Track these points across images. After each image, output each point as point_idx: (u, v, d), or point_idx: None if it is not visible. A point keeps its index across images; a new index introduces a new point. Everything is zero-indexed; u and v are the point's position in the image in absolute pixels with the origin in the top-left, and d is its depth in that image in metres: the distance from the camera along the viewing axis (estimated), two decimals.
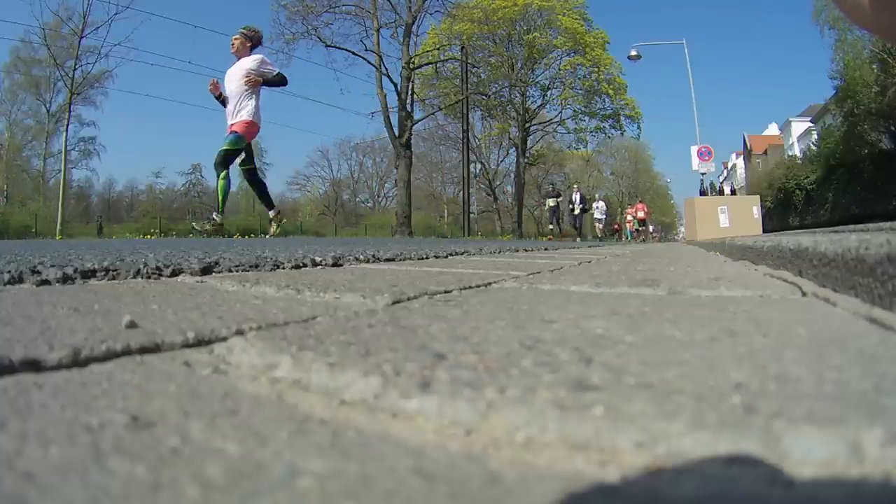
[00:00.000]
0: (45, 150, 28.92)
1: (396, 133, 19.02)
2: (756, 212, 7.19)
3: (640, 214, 20.83)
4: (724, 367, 0.35)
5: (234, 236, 10.16)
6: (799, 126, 37.83)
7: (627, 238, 20.62)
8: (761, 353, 0.39)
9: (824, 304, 0.73)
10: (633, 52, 19.43)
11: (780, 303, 0.76)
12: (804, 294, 0.85)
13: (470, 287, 0.95)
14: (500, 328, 0.51)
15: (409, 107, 19.79)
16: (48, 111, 28.01)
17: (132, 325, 0.60)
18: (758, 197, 8.05)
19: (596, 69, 24.66)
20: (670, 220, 63.26)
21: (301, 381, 0.39)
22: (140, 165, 66.84)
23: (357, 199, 41.01)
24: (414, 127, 20.09)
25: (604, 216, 19.40)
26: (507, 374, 0.34)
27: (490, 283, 1.03)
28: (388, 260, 1.43)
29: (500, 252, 2.14)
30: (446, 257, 1.71)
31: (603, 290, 0.89)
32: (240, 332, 0.55)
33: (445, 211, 35.58)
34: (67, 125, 13.83)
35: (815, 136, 25.49)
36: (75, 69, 12.17)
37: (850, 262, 0.80)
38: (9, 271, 0.96)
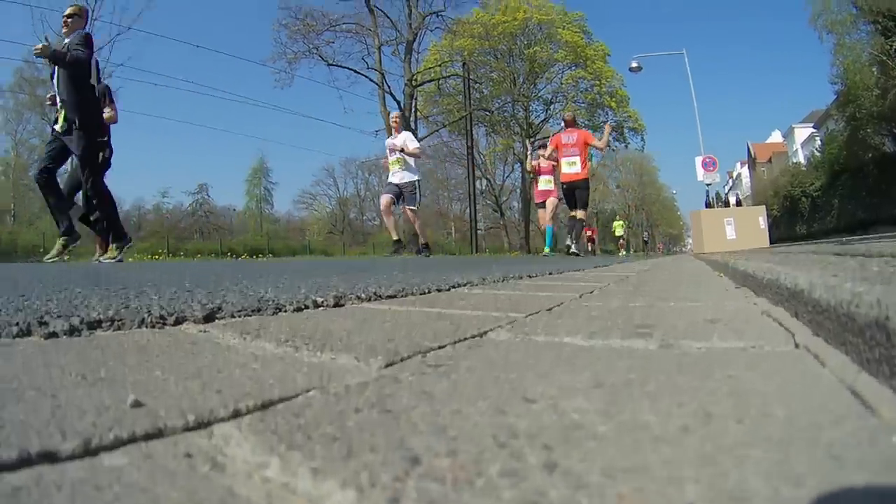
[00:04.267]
0: None
1: None
2: (762, 222, 7.25)
3: (574, 169, 7.64)
4: (682, 476, 0.36)
5: (242, 256, 10.11)
6: (802, 132, 37.79)
7: (547, 248, 8.46)
8: (727, 455, 0.41)
9: (814, 363, 0.74)
10: (634, 64, 19.57)
11: (769, 359, 0.77)
12: (796, 346, 0.86)
13: (465, 339, 0.97)
14: (481, 412, 0.52)
15: (412, 124, 19.93)
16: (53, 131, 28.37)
17: (137, 404, 0.63)
18: (763, 207, 8.06)
19: (598, 82, 25.02)
20: (678, 231, 63.46)
21: (289, 484, 0.41)
22: (146, 184, 67.77)
23: (364, 218, 41.43)
24: None
25: (414, 183, 7.32)
26: (472, 488, 0.36)
27: (485, 333, 1.04)
28: (389, 297, 1.45)
29: (503, 281, 2.15)
30: (448, 290, 1.72)
31: (595, 343, 0.90)
32: (237, 413, 0.57)
33: (453, 228, 35.80)
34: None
35: (818, 142, 25.43)
36: None
37: (841, 318, 0.80)
38: (17, 323, 1.00)
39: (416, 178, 7.43)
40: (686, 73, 18.43)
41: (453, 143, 28.06)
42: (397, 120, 7.52)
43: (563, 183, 7.96)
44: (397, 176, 7.47)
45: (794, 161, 31.59)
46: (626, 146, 27.42)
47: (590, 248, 26.13)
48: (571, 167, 7.74)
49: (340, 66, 20.06)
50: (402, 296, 1.50)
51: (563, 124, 8.46)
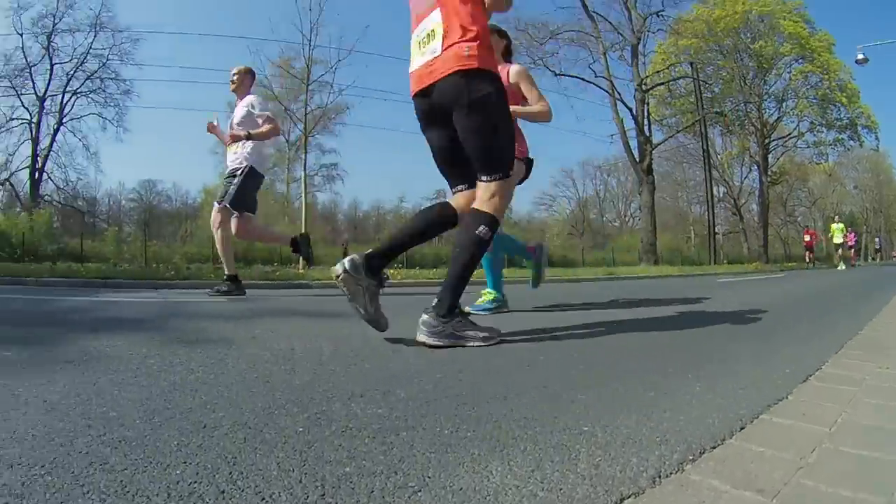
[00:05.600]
0: (287, 175, 30.99)
1: (637, 158, 18.89)
2: None
3: (428, 55, 1.79)
4: None
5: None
6: None
7: (490, 294, 2.99)
8: None
9: None
10: (860, 56, 17.63)
11: None
12: None
13: None
14: None
15: (646, 130, 19.27)
16: (287, 140, 29.55)
17: None
18: None
19: (826, 75, 22.43)
20: None
21: None
22: (384, 189, 69.34)
23: (605, 218, 40.69)
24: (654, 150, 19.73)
25: None
26: None
27: None
28: None
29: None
30: None
31: None
32: None
33: (692, 231, 33.76)
34: (305, 164, 14.32)
35: None
36: (306, 114, 12.83)
37: None
38: None
39: (245, 162, 4.32)
40: None
41: (689, 145, 26.12)
42: (234, 80, 4.46)
43: (413, 98, 1.90)
44: (230, 162, 4.43)
45: None
46: (861, 145, 23.69)
47: (808, 260, 21.08)
48: (422, 52, 1.82)
49: (568, 76, 19.54)
50: None
51: None
